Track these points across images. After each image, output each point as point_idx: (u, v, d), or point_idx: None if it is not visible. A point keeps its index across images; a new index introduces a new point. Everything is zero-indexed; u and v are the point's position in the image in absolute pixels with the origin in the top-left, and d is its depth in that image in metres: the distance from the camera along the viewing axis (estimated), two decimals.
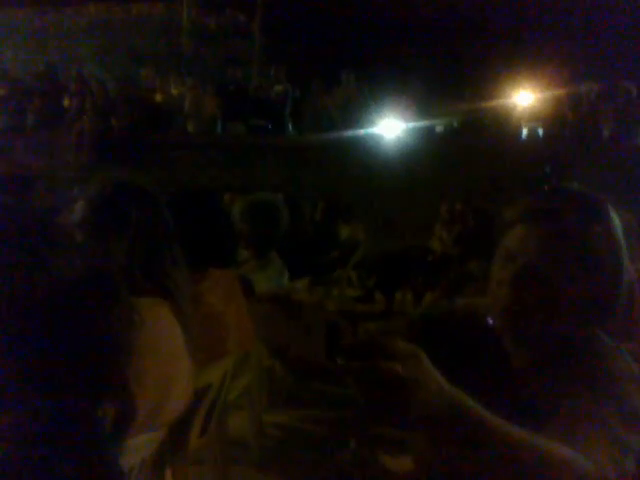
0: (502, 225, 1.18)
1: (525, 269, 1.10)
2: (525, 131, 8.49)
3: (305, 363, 0.77)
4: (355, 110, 8.17)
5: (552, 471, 0.90)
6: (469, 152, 7.22)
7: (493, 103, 8.39)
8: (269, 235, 2.63)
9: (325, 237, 5.20)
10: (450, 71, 9.66)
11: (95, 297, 0.88)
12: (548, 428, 1.03)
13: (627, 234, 3.77)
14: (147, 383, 1.43)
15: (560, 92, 8.55)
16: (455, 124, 8.45)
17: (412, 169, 6.97)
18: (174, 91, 9.09)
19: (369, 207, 6.86)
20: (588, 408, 1.04)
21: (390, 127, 7.85)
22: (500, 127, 8.22)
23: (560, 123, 8.46)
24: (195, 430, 2.09)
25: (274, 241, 2.66)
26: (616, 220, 1.15)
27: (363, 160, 7.25)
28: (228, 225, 2.23)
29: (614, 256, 1.12)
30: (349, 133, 7.82)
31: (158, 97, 8.93)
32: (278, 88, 8.73)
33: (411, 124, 7.90)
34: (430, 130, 8.22)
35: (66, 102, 8.80)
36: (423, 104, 8.29)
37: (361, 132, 7.88)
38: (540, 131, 8.49)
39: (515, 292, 1.11)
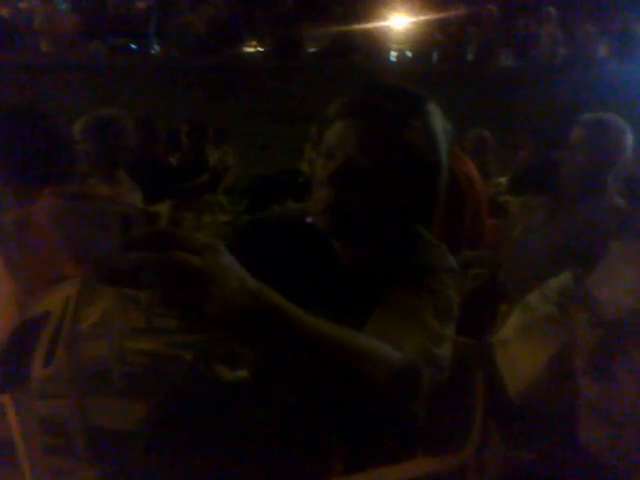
0: (323, 122, 1.14)
1: (343, 166, 1.08)
2: (394, 53, 8.56)
3: (108, 265, 0.71)
4: (223, 29, 7.82)
5: (361, 364, 0.90)
6: (339, 73, 7.17)
7: (365, 25, 8.34)
8: (112, 152, 2.47)
9: (191, 161, 5.02)
10: None
11: None
12: (367, 322, 1.03)
13: (483, 150, 3.90)
14: None
15: (430, 15, 8.63)
16: (326, 45, 8.33)
17: (282, 90, 6.84)
18: (22, 5, 8.28)
19: (239, 130, 6.69)
20: (404, 302, 1.05)
21: (260, 47, 7.61)
22: (370, 49, 8.21)
23: (429, 46, 8.59)
24: (37, 359, 1.98)
25: (118, 158, 2.51)
26: (436, 116, 1.14)
27: (232, 81, 7.01)
28: (62, 142, 2.05)
29: (432, 152, 1.11)
30: (217, 53, 7.51)
31: (3, 11, 8.10)
32: (140, 4, 8.17)
33: (282, 43, 7.71)
34: (301, 50, 8.06)
35: None
36: (294, 23, 8.08)
37: (230, 52, 7.60)
38: (409, 53, 8.59)
39: (335, 190, 1.08)
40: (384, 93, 1.11)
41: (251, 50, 8.26)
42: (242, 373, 1.42)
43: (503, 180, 5.08)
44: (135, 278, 0.74)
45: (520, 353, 1.64)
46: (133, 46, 8.07)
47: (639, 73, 7.38)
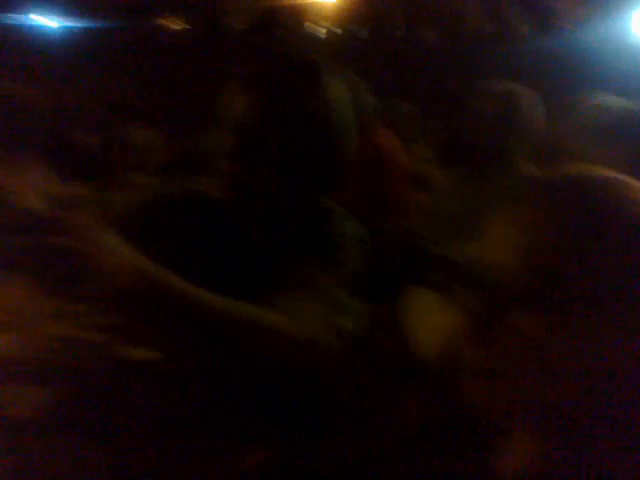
0: (223, 94, 1.12)
1: (245, 138, 1.06)
2: (323, 30, 8.52)
3: None
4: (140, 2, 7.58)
5: (263, 339, 0.89)
6: (262, 50, 7.08)
7: (293, 0, 8.25)
8: (19, 133, 2.34)
9: (113, 141, 4.85)
10: None
11: None
12: (274, 296, 1.02)
13: (410, 125, 3.94)
14: None
15: None
16: (253, 20, 8.20)
17: (200, 68, 6.68)
18: None
19: (166, 108, 6.52)
20: (310, 274, 1.04)
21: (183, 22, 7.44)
22: (298, 25, 8.13)
23: (357, 22, 8.59)
24: None
25: (28, 141, 2.39)
26: (337, 85, 1.13)
27: (155, 58, 6.82)
28: None
29: (334, 120, 1.10)
30: (138, 28, 7.29)
31: None
32: None
33: (204, 18, 7.54)
34: (221, 29, 7.91)
35: None
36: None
37: (152, 27, 7.39)
38: (338, 30, 8.56)
39: (238, 163, 1.07)
40: (283, 63, 1.09)
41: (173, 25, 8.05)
42: (152, 352, 1.38)
43: (430, 153, 5.14)
44: (19, 262, 0.71)
45: (432, 318, 1.67)
46: (45, 19, 7.70)
47: (561, 47, 7.58)
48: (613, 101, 2.02)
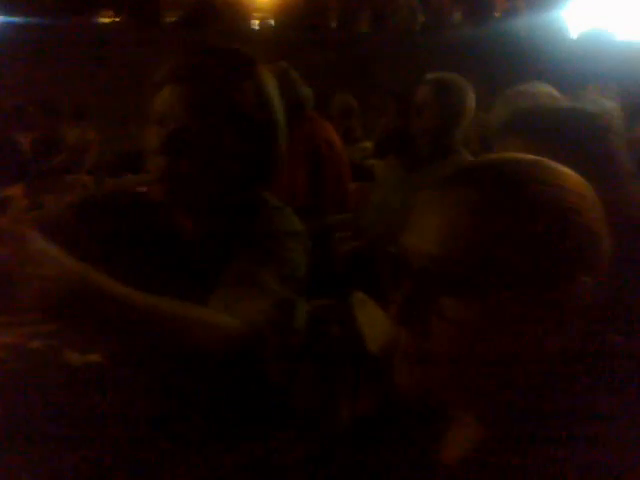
0: (151, 88, 1.10)
1: (175, 132, 1.04)
2: (256, 22, 8.46)
3: None
4: None
5: (201, 336, 0.89)
6: (200, 42, 6.98)
7: None
8: None
9: (44, 140, 4.72)
10: None
11: None
12: (213, 294, 1.02)
13: (348, 116, 3.96)
14: None
15: None
16: (186, 13, 8.05)
17: (135, 63, 6.54)
18: None
19: (100, 106, 6.36)
20: (247, 269, 1.04)
21: (115, 17, 7.25)
22: (232, 17, 8.04)
23: (292, 14, 8.55)
24: None
25: None
26: (268, 78, 1.13)
27: (88, 54, 6.64)
28: None
29: (265, 114, 1.11)
30: (69, 23, 7.06)
31: None
32: None
33: (138, 11, 7.37)
34: (156, 23, 7.74)
35: None
36: None
37: (84, 22, 7.17)
38: (272, 21, 8.51)
39: (168, 158, 1.05)
40: (211, 56, 1.09)
41: (107, 20, 7.83)
42: (93, 357, 1.36)
43: (369, 144, 5.19)
44: None
45: (377, 309, 1.70)
46: None
47: (490, 36, 7.74)
48: (539, 91, 2.09)
